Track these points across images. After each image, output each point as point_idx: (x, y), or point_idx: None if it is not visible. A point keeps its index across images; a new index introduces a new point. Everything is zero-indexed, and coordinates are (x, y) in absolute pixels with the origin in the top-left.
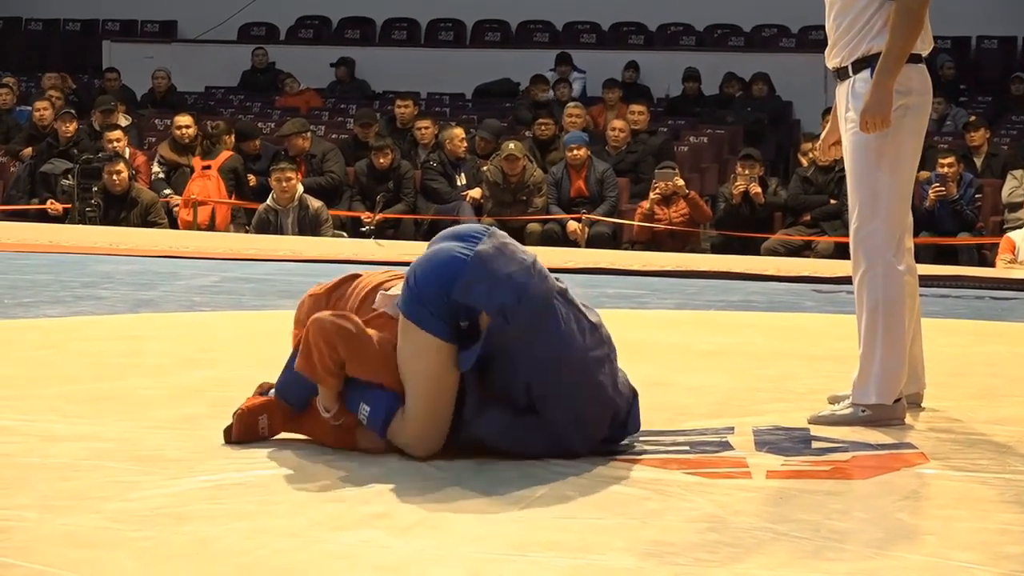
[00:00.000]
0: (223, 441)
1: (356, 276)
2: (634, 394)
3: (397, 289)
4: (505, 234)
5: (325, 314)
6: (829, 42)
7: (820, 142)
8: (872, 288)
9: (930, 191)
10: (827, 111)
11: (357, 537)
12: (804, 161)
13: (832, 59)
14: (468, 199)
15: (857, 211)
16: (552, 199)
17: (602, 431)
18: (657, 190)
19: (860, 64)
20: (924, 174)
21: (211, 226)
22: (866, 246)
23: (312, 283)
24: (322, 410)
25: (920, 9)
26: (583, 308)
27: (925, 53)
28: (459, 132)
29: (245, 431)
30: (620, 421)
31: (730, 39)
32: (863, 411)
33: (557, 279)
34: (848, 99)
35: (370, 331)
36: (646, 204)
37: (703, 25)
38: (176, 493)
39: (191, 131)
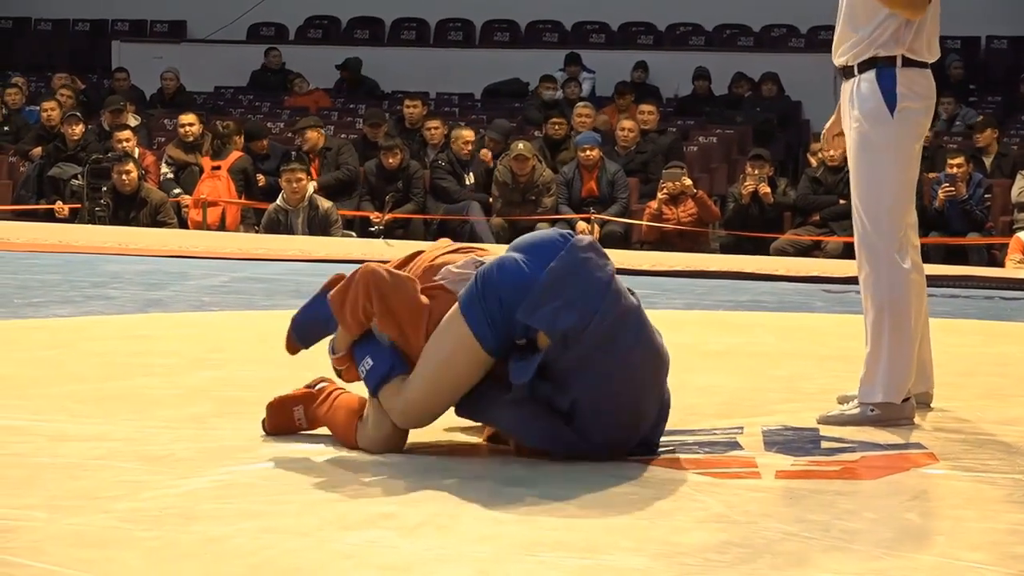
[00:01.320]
0: (263, 433)
1: (418, 253)
2: (666, 415)
3: (466, 259)
4: (590, 241)
5: (380, 267)
6: (836, 37)
7: (824, 133)
8: (877, 287)
9: (940, 191)
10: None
11: (365, 537)
12: (813, 161)
13: (839, 57)
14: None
15: (861, 211)
16: (563, 199)
17: (627, 449)
18: (665, 190)
19: (866, 65)
20: (933, 174)
21: (221, 226)
22: (870, 245)
23: (322, 283)
24: (330, 349)
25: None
26: (651, 328)
27: (931, 61)
28: (467, 134)
29: (280, 423)
30: (644, 439)
31: (739, 39)
32: (872, 410)
33: (631, 292)
34: (853, 98)
35: (423, 298)
36: (654, 204)
37: (712, 25)
38: (185, 493)
39: (195, 129)
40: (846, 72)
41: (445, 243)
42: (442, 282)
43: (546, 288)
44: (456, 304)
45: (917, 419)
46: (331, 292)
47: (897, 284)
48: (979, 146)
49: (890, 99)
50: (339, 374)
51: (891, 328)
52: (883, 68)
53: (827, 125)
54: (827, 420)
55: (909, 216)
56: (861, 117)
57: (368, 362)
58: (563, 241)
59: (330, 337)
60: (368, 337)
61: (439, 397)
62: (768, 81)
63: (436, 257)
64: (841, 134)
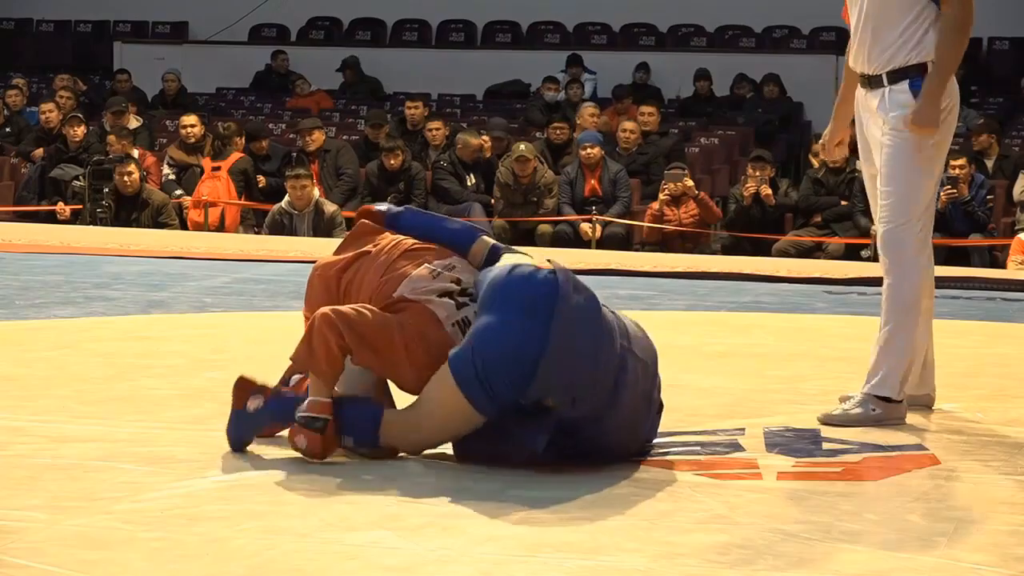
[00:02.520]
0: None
1: (365, 254)
2: (660, 409)
3: (422, 272)
4: (568, 278)
5: (330, 309)
6: (856, 45)
7: (826, 142)
8: (902, 286)
9: (942, 193)
10: None
11: (368, 538)
12: (815, 162)
13: (862, 65)
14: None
15: (889, 211)
16: (565, 199)
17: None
18: (667, 191)
19: (897, 75)
20: None
21: (220, 227)
22: (899, 244)
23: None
24: (302, 420)
25: (967, 21)
26: (643, 348)
27: None
28: (475, 141)
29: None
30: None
31: (741, 40)
32: (874, 409)
33: (608, 309)
34: (885, 107)
35: (389, 315)
36: (656, 205)
37: (714, 26)
38: (187, 494)
39: (197, 130)
40: (873, 81)
41: (388, 241)
42: (405, 295)
43: (551, 363)
44: (450, 374)
45: (920, 420)
46: (292, 354)
47: (919, 285)
48: (980, 148)
49: None
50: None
51: (908, 328)
52: (916, 77)
53: (826, 133)
54: (829, 419)
55: (933, 217)
56: (900, 124)
57: (349, 440)
58: (549, 289)
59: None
60: (336, 408)
61: (436, 443)
62: (770, 82)
63: (388, 266)
64: (842, 143)
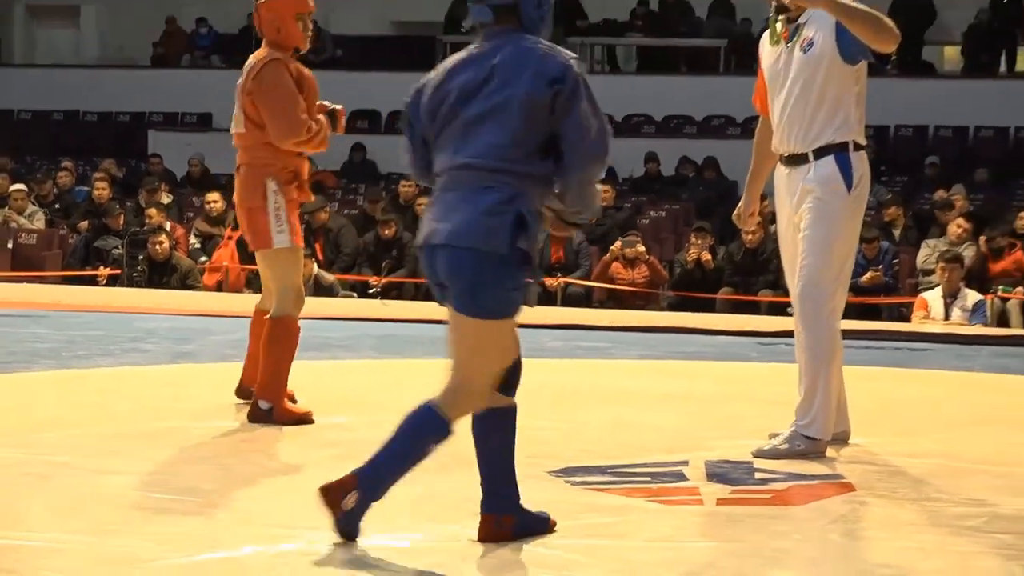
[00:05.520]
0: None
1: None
2: None
3: None
4: None
5: None
6: (781, 129)
7: (741, 213)
8: (817, 341)
9: (868, 274)
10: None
11: None
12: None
13: (787, 146)
14: None
15: (807, 271)
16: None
17: None
18: (618, 247)
19: (821, 151)
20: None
21: (219, 287)
22: (814, 303)
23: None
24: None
25: (888, 32)
26: None
27: (865, 143)
28: None
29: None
30: None
31: (685, 128)
32: (799, 444)
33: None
34: (810, 179)
35: None
36: (607, 257)
37: (662, 116)
38: (208, 519)
39: (219, 205)
40: (798, 160)
41: None
42: None
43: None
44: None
45: (837, 453)
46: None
47: (833, 339)
48: (889, 219)
49: (848, 179)
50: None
51: (825, 378)
52: (840, 153)
53: (741, 206)
54: (762, 454)
55: (847, 280)
56: (822, 195)
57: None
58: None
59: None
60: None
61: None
62: (709, 164)
63: None
64: (754, 213)
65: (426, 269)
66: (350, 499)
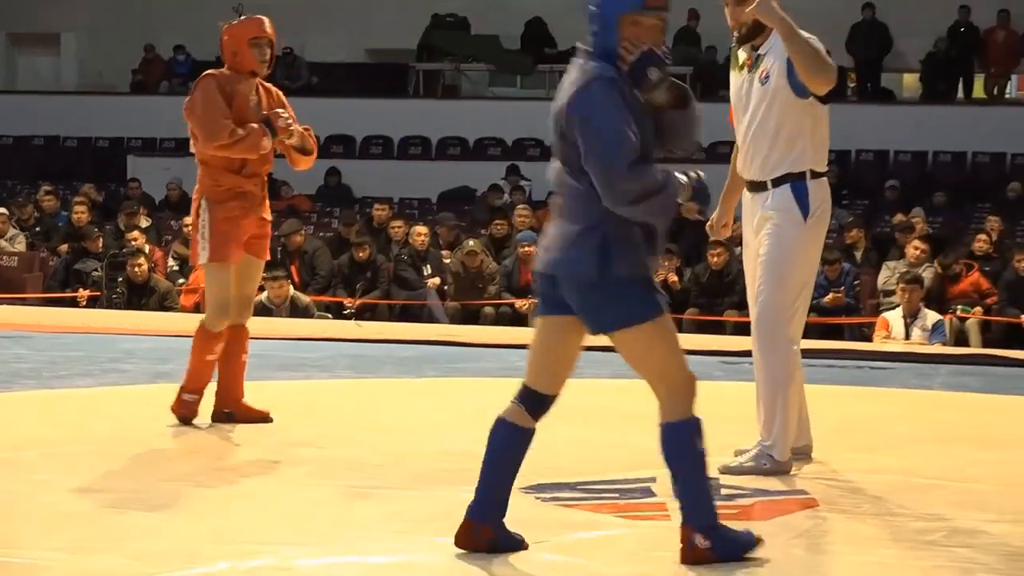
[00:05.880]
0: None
1: None
2: None
3: None
4: None
5: None
6: (743, 156)
7: (714, 223)
8: (774, 365)
9: (830, 295)
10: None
11: None
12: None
13: (748, 173)
14: (431, 286)
15: (765, 296)
16: (504, 286)
17: None
18: None
19: (779, 180)
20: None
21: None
22: (772, 326)
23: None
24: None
25: (828, 72)
26: None
27: (825, 170)
28: (421, 229)
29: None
30: None
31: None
32: (765, 463)
33: None
34: (768, 206)
35: None
36: None
37: None
38: (186, 535)
39: None
40: (759, 187)
41: None
42: None
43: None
44: (633, 323)
45: (801, 468)
46: None
47: (790, 363)
48: (851, 242)
49: (804, 208)
50: None
51: (783, 400)
52: (796, 183)
53: (715, 216)
54: (728, 470)
55: (807, 302)
56: (779, 222)
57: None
58: None
59: None
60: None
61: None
62: None
63: None
64: (727, 224)
65: (538, 289)
66: (698, 538)
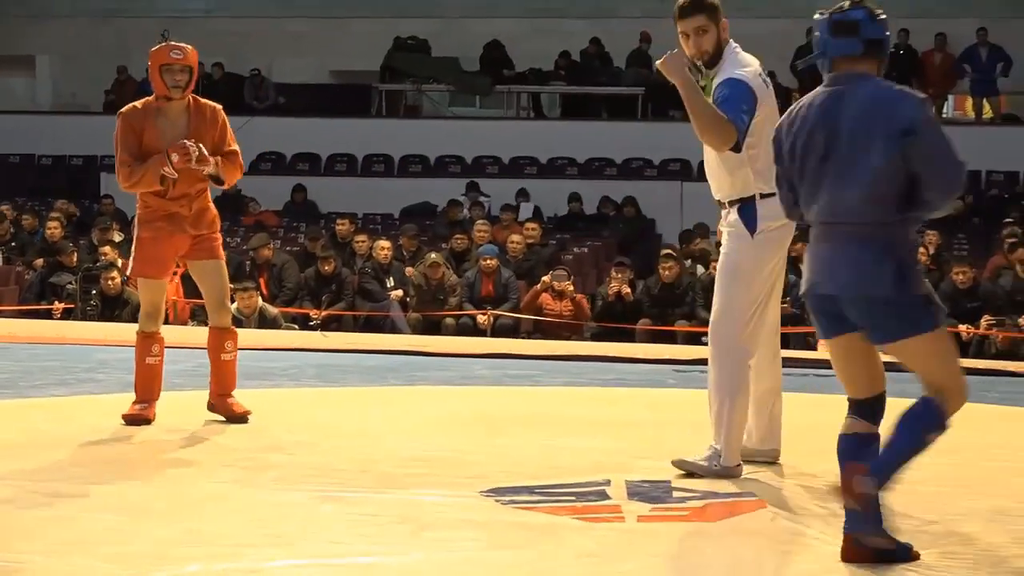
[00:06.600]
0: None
1: None
2: None
3: None
4: None
5: None
6: (709, 176)
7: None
8: (723, 376)
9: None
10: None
11: None
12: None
13: (714, 192)
14: (394, 298)
15: (715, 306)
16: (465, 298)
17: None
18: (547, 280)
19: (734, 202)
20: None
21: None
22: (719, 335)
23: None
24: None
25: (712, 136)
26: None
27: (774, 189)
28: (384, 243)
29: None
30: None
31: (605, 169)
32: (715, 466)
33: None
34: (724, 224)
35: None
36: (539, 287)
37: (584, 158)
38: (159, 539)
39: None
40: (721, 204)
41: None
42: None
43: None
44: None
45: (754, 472)
46: None
47: (739, 373)
48: (796, 254)
49: (751, 225)
50: None
51: (729, 409)
52: (745, 205)
53: None
54: (681, 464)
55: (761, 318)
56: (730, 239)
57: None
58: None
59: None
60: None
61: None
62: (628, 204)
63: None
64: None
65: (813, 313)
66: (858, 484)
